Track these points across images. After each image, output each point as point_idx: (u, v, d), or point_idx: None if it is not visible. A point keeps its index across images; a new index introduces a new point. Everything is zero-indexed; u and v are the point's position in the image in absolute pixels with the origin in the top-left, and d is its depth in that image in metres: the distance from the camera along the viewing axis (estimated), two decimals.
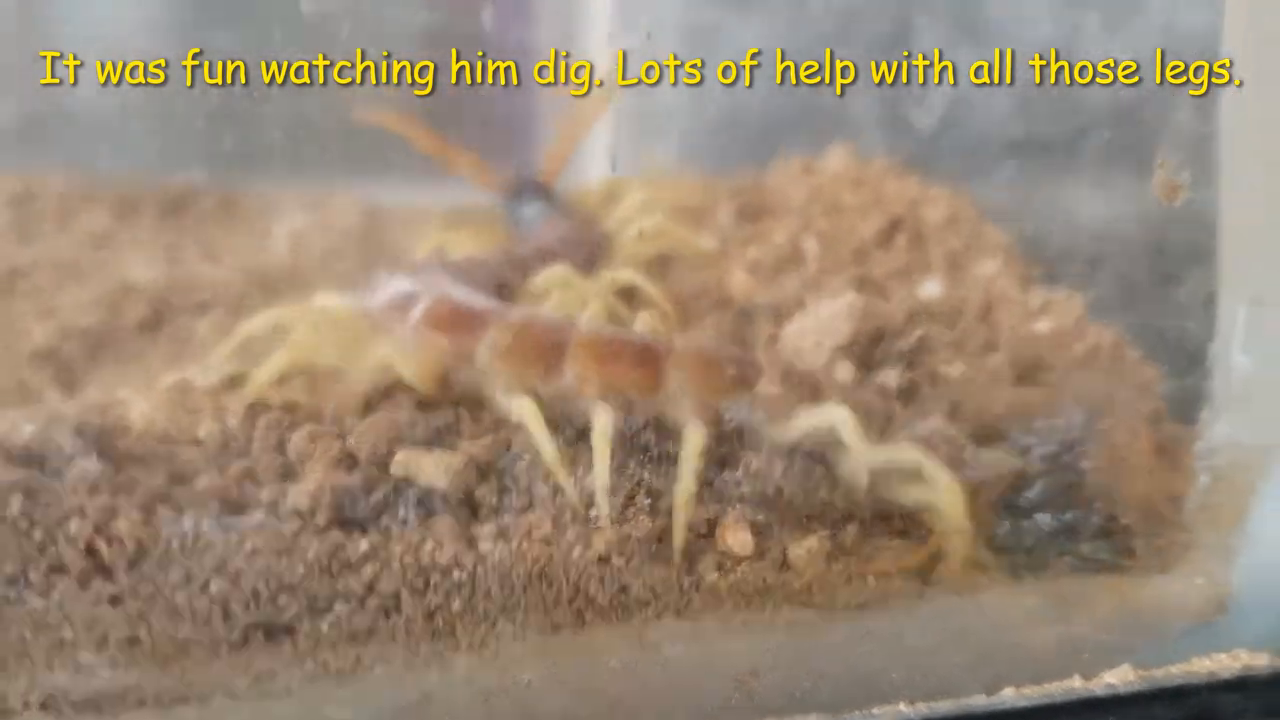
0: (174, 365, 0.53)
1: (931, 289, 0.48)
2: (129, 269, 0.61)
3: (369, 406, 0.35)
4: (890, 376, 0.44)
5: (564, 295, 0.43)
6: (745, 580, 0.32)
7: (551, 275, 0.44)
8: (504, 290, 0.45)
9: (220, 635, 0.28)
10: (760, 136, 0.78)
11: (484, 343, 0.34)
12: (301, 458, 0.32)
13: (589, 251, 0.53)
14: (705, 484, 0.33)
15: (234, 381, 0.41)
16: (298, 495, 0.30)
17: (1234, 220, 0.33)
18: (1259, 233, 0.33)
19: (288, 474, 0.31)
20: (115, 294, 0.56)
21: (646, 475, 0.33)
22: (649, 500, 0.33)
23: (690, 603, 0.31)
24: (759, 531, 0.32)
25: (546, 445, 0.32)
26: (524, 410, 0.33)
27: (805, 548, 0.32)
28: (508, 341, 0.34)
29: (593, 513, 0.31)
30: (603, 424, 0.32)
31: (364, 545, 0.29)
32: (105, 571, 0.28)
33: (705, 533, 0.33)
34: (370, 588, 0.29)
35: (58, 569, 0.28)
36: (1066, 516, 0.34)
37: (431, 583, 0.29)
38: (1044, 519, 0.34)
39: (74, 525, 0.28)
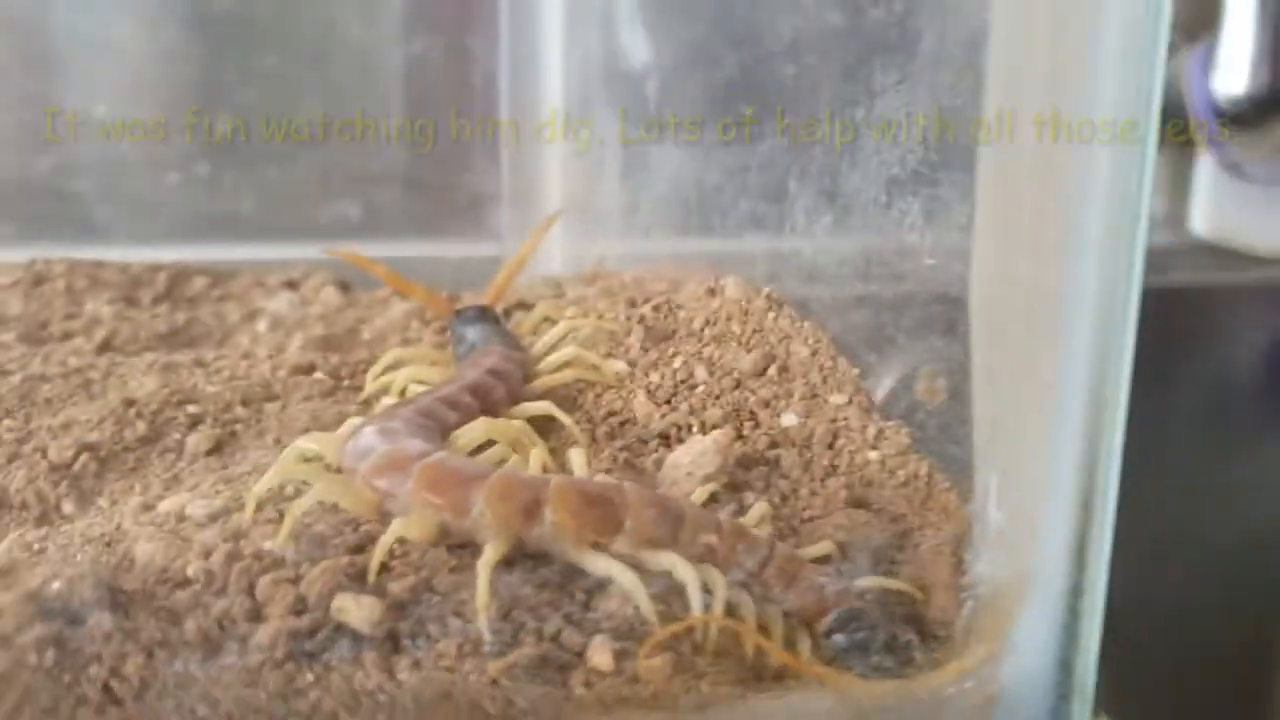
0: (166, 482, 0.62)
1: (790, 419, 0.58)
2: (130, 381, 0.71)
3: (325, 543, 0.45)
4: (751, 498, 0.54)
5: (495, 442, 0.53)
6: (607, 692, 0.42)
7: (474, 431, 0.53)
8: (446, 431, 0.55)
9: None
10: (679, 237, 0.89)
11: (477, 498, 0.44)
12: (265, 600, 0.42)
13: (516, 378, 0.63)
14: (581, 616, 0.43)
15: (222, 513, 0.51)
16: (262, 635, 0.40)
17: (981, 412, 0.43)
18: (1000, 423, 0.43)
19: (255, 615, 0.41)
20: (119, 410, 0.65)
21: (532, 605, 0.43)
22: (536, 625, 0.43)
23: (561, 712, 0.41)
24: (618, 653, 0.43)
25: (483, 587, 0.42)
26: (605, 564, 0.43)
27: (651, 665, 0.42)
28: (497, 496, 0.44)
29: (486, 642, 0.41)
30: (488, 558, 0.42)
31: (310, 676, 0.39)
32: (118, 703, 0.37)
33: (578, 653, 0.43)
34: (315, 708, 0.39)
35: (82, 702, 0.37)
36: (858, 634, 0.45)
37: (361, 704, 0.39)
38: (839, 639, 0.44)
39: (93, 669, 0.38)
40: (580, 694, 0.42)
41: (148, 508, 0.54)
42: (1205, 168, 1.44)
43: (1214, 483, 1.49)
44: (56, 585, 0.40)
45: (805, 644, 0.45)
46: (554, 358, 0.66)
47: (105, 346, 0.78)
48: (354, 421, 0.55)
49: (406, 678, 0.40)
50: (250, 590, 0.42)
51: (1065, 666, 0.46)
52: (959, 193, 0.47)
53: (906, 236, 0.52)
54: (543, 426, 0.59)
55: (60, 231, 1.11)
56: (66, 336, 0.88)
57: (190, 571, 0.43)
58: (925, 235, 0.50)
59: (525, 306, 0.88)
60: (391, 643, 0.41)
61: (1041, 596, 0.45)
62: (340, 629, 0.41)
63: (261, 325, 0.93)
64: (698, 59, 0.80)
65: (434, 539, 0.44)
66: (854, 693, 0.44)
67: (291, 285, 1.05)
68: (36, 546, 0.50)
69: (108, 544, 0.47)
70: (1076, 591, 0.45)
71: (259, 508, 0.49)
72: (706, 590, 0.43)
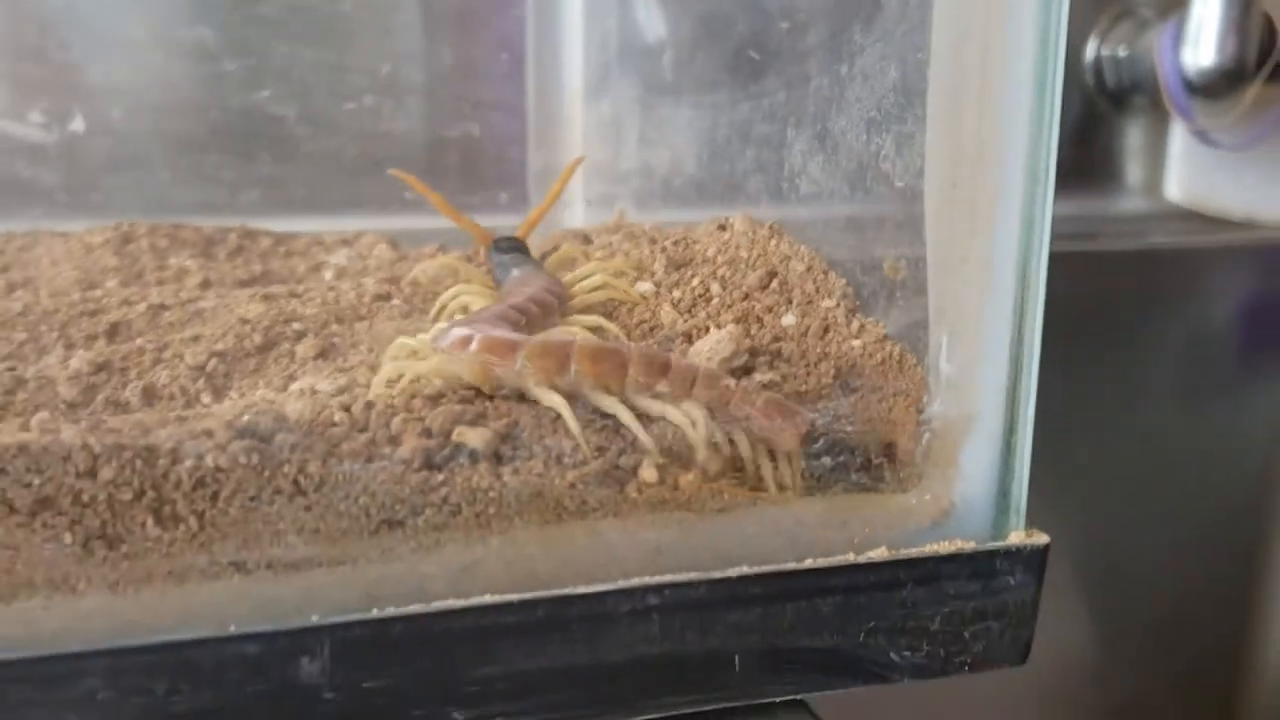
0: (285, 379, 0.76)
1: (788, 319, 0.72)
2: (238, 307, 0.85)
3: (437, 401, 0.59)
4: (759, 377, 0.68)
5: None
6: (653, 497, 0.56)
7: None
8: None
9: (364, 526, 0.52)
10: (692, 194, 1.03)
11: (519, 356, 0.58)
12: (398, 433, 0.56)
13: (563, 297, 0.77)
14: (631, 441, 0.57)
15: (347, 387, 0.64)
16: (401, 452, 0.54)
17: (933, 287, 0.57)
18: (949, 289, 0.57)
19: (393, 441, 0.55)
20: (236, 326, 0.79)
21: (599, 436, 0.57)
22: (599, 450, 0.57)
23: (621, 510, 0.55)
24: (660, 469, 0.57)
25: (567, 414, 0.56)
26: (551, 399, 0.57)
27: (686, 478, 0.57)
28: (535, 354, 0.58)
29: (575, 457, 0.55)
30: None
31: (440, 477, 0.53)
32: (303, 493, 0.51)
33: (633, 469, 0.57)
34: (445, 500, 0.53)
35: (278, 492, 0.51)
36: (841, 458, 0.59)
37: (477, 498, 0.53)
38: (826, 460, 0.58)
39: (285, 468, 0.52)
40: (633, 497, 0.56)
41: (285, 388, 0.68)
42: (1178, 136, 1.57)
43: (1187, 434, 1.60)
44: (245, 417, 0.54)
45: (799, 466, 0.59)
46: (587, 282, 0.79)
47: (206, 285, 0.92)
48: (441, 326, 0.69)
49: (509, 480, 0.54)
50: (387, 425, 0.56)
51: (1003, 488, 0.60)
52: (920, 125, 0.61)
53: (882, 165, 0.66)
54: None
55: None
56: (160, 283, 1.01)
57: (335, 418, 0.57)
58: (895, 163, 0.64)
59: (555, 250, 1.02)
60: (497, 458, 0.55)
61: (982, 433, 0.59)
62: (459, 448, 0.55)
63: (328, 275, 1.06)
64: (706, 30, 0.94)
65: (490, 387, 0.58)
66: (840, 501, 0.58)
67: (346, 243, 1.19)
68: (184, 419, 0.63)
69: (261, 409, 0.61)
70: (1010, 429, 0.59)
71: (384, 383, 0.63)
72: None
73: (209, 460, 0.50)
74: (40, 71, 1.20)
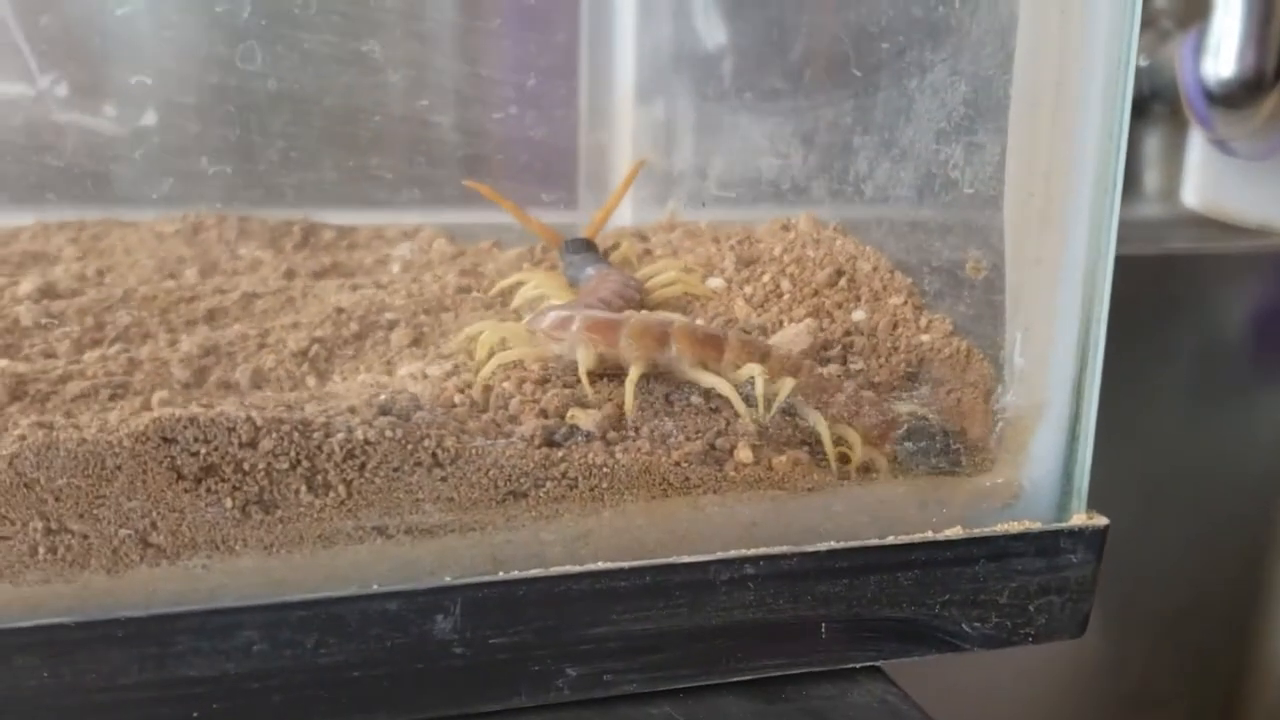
0: (384, 365, 0.81)
1: (859, 315, 0.77)
2: (328, 297, 0.90)
3: (544, 384, 0.64)
4: (833, 368, 0.73)
5: None
6: (749, 476, 0.61)
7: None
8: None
9: (492, 496, 0.57)
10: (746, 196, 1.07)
11: (623, 336, 0.63)
12: (517, 414, 0.61)
13: (642, 291, 0.82)
14: (732, 426, 0.62)
15: (454, 371, 0.69)
16: (523, 430, 0.59)
17: (1010, 285, 0.62)
18: (1024, 288, 0.62)
19: (514, 420, 0.60)
20: (333, 315, 0.84)
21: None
22: (702, 430, 0.62)
23: (720, 487, 0.60)
24: (756, 450, 0.62)
25: (728, 391, 0.61)
26: (710, 379, 0.62)
27: (779, 460, 0.61)
28: (637, 333, 0.63)
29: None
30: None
31: (559, 454, 0.58)
32: (440, 465, 0.56)
33: (730, 449, 0.62)
34: (564, 475, 0.58)
35: (418, 464, 0.56)
36: (923, 444, 0.64)
37: (592, 473, 0.58)
38: (908, 445, 0.63)
39: (425, 442, 0.56)
40: (731, 475, 0.61)
41: (388, 373, 0.73)
42: (1196, 144, 1.61)
43: (1199, 435, 1.65)
44: (383, 396, 0.59)
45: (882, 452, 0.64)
46: (660, 278, 0.84)
47: (290, 275, 0.97)
48: (536, 312, 0.74)
49: (620, 458, 0.59)
50: (505, 407, 0.61)
51: (1067, 474, 0.65)
52: (991, 137, 0.66)
53: (950, 173, 0.71)
54: None
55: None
56: (236, 274, 1.06)
57: (456, 399, 0.62)
58: (965, 171, 0.69)
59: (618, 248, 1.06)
60: (607, 438, 0.60)
61: (1051, 421, 0.64)
62: (574, 429, 0.60)
63: (395, 268, 1.11)
64: (768, 39, 0.99)
65: (600, 366, 0.63)
66: (920, 483, 0.63)
67: (408, 236, 1.24)
68: (317, 399, 0.68)
69: (380, 390, 0.66)
70: (1075, 418, 0.64)
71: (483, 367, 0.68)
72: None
73: (359, 434, 0.55)
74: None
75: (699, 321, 0.75)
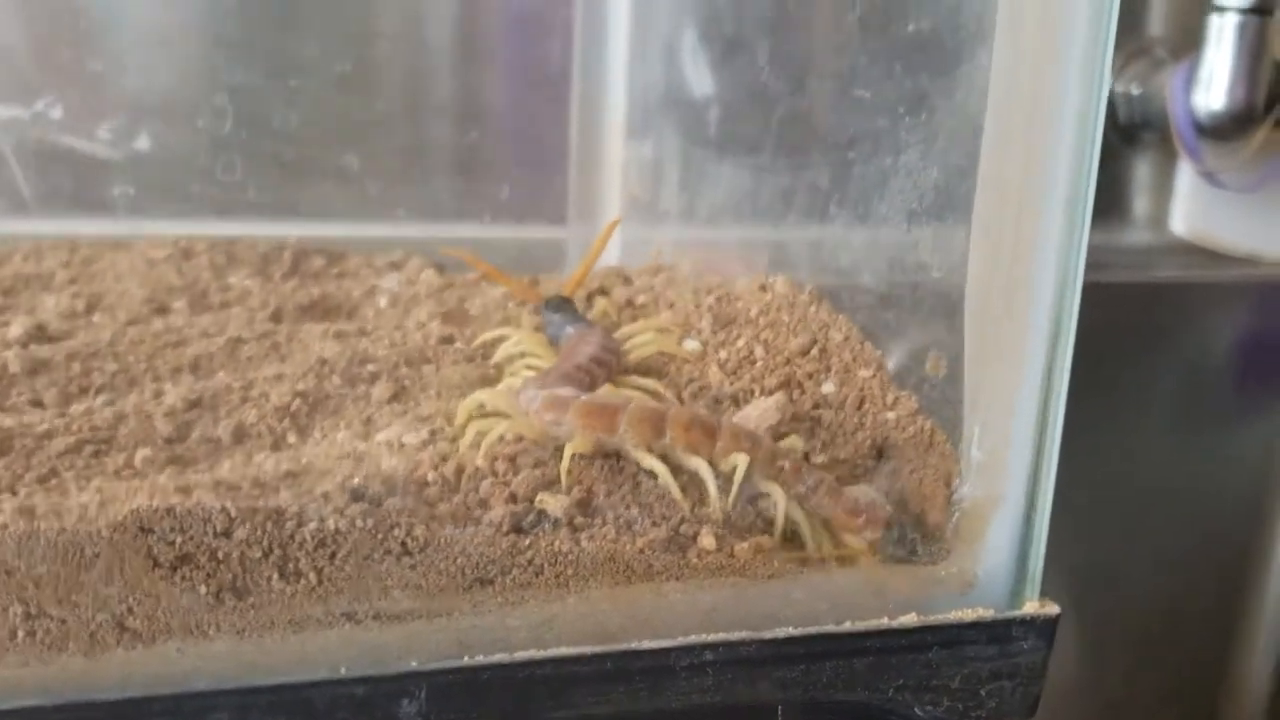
0: (363, 422, 0.83)
1: (829, 388, 0.79)
2: (312, 345, 0.91)
3: (516, 461, 0.65)
4: (798, 442, 0.75)
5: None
6: (711, 564, 0.63)
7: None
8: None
9: (459, 583, 0.59)
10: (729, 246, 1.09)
11: (622, 424, 0.64)
12: (487, 496, 0.63)
13: (620, 355, 0.83)
14: (696, 513, 0.64)
15: (431, 439, 0.71)
16: (492, 516, 0.61)
17: (969, 381, 0.64)
18: (981, 388, 0.64)
19: (483, 505, 0.62)
20: (316, 366, 0.85)
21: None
22: (666, 518, 0.64)
23: (682, 574, 0.62)
24: (719, 538, 0.63)
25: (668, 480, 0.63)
26: (652, 462, 0.64)
27: (741, 547, 0.63)
28: (635, 420, 0.64)
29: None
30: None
31: (526, 541, 0.60)
32: (410, 554, 0.58)
33: (693, 536, 0.64)
34: (530, 562, 0.60)
35: (387, 552, 0.58)
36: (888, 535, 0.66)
37: (558, 560, 0.60)
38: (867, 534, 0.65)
39: (395, 531, 0.58)
40: (694, 562, 0.63)
41: (365, 437, 0.75)
42: (1185, 173, 1.62)
43: (1182, 460, 1.66)
44: (356, 480, 0.61)
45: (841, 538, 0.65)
46: (638, 339, 0.85)
47: (277, 318, 0.98)
48: (513, 382, 0.76)
49: (586, 545, 0.61)
50: (476, 489, 0.63)
51: (1021, 563, 0.67)
52: (959, 226, 0.68)
53: (920, 256, 0.72)
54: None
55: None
56: (225, 305, 1.08)
57: (429, 477, 0.64)
58: (934, 255, 0.71)
59: (603, 292, 1.08)
60: (574, 525, 0.62)
61: (1007, 512, 0.66)
62: (542, 514, 0.61)
63: (382, 302, 1.12)
64: (751, 97, 1.00)
65: (593, 451, 0.65)
66: (877, 571, 0.65)
67: (396, 266, 1.26)
68: (297, 462, 0.70)
69: (357, 460, 0.68)
70: (1030, 509, 0.66)
71: (461, 436, 0.69)
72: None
73: (330, 523, 0.57)
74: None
75: (670, 399, 0.77)
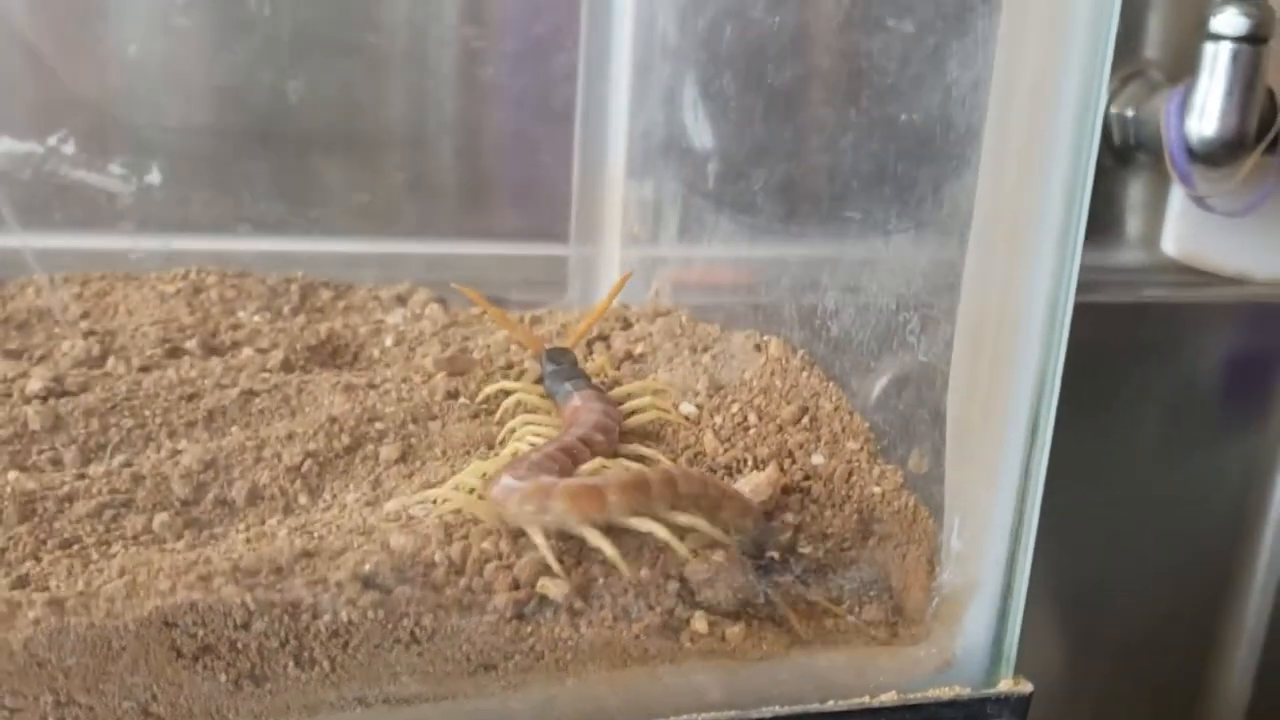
0: (371, 483, 0.86)
1: (818, 459, 0.82)
2: (323, 399, 0.94)
3: (519, 542, 0.69)
4: (790, 516, 0.78)
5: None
6: (703, 647, 0.67)
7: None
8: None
9: (464, 669, 0.62)
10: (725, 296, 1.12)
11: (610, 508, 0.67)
12: (492, 579, 0.66)
13: (618, 422, 0.86)
14: (689, 599, 0.67)
15: (436, 510, 0.74)
16: (496, 602, 0.64)
17: (950, 477, 0.68)
18: (961, 485, 0.67)
19: (488, 589, 0.66)
20: (325, 425, 0.89)
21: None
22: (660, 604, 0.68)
23: (676, 657, 0.66)
24: (711, 623, 0.67)
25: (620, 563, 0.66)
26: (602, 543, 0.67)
27: (733, 630, 0.67)
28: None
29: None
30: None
31: (528, 628, 0.64)
32: (418, 642, 0.62)
33: (686, 620, 0.67)
34: (531, 648, 0.63)
35: (397, 641, 0.62)
36: (864, 617, 0.69)
37: (558, 645, 0.64)
38: (852, 618, 0.69)
39: (404, 621, 0.62)
40: (687, 646, 0.66)
41: (370, 504, 0.78)
42: (1177, 194, 1.66)
43: (1167, 478, 1.70)
44: (367, 567, 0.64)
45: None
46: (635, 402, 0.88)
47: (288, 366, 1.01)
48: (519, 447, 0.79)
49: (585, 631, 0.64)
50: (480, 572, 0.66)
51: (997, 644, 0.70)
52: (945, 316, 0.71)
53: (908, 339, 0.76)
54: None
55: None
56: (235, 345, 1.11)
57: (436, 557, 0.67)
58: (920, 341, 0.74)
59: (603, 338, 1.11)
60: (573, 610, 0.65)
61: (984, 598, 0.69)
62: (544, 600, 0.65)
63: (388, 340, 1.16)
64: (752, 157, 1.03)
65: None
66: (860, 652, 0.68)
67: (401, 300, 1.29)
68: (309, 534, 0.73)
69: (365, 534, 0.71)
70: (1007, 594, 0.70)
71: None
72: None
73: (344, 615, 0.61)
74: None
75: (668, 464, 0.80)
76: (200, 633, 0.59)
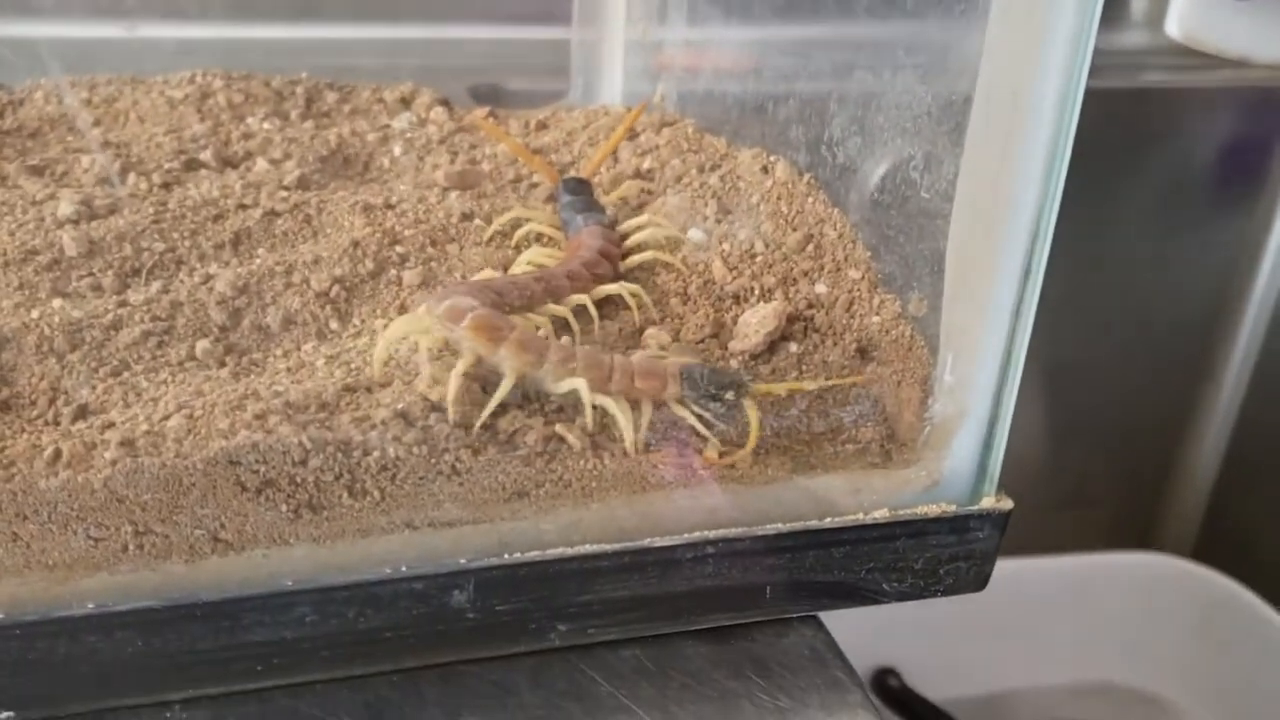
0: (397, 308, 0.90)
1: (821, 288, 0.86)
2: (343, 220, 0.97)
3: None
4: (794, 346, 0.83)
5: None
6: (714, 473, 0.73)
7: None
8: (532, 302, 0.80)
9: (500, 496, 0.69)
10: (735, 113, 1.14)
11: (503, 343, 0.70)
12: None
13: (616, 256, 0.89)
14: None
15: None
16: (527, 439, 0.70)
17: (945, 318, 0.72)
18: (954, 326, 0.72)
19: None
20: (349, 249, 0.92)
21: None
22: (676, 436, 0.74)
23: (690, 482, 0.72)
24: (721, 451, 0.73)
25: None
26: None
27: (743, 456, 0.73)
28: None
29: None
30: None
31: (556, 464, 0.70)
32: (458, 474, 0.68)
33: (699, 450, 0.73)
34: (559, 478, 0.70)
35: (439, 473, 0.68)
36: (860, 444, 0.75)
37: (584, 476, 0.70)
38: (849, 446, 0.75)
39: (446, 455, 0.68)
40: (700, 473, 0.73)
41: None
42: None
43: (1154, 261, 1.76)
44: (401, 405, 0.69)
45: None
46: (640, 235, 0.91)
47: (304, 183, 1.04)
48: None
49: (607, 463, 0.70)
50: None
51: (982, 466, 0.77)
52: (950, 153, 0.74)
53: (911, 173, 0.79)
54: (647, 283, 0.88)
55: None
56: (249, 156, 1.13)
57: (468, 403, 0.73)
58: (924, 176, 0.78)
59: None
60: (596, 443, 0.71)
61: (971, 425, 0.75)
62: (562, 441, 0.71)
63: (396, 149, 1.18)
64: None
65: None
66: (856, 475, 0.75)
67: (405, 102, 1.30)
68: (346, 365, 0.78)
69: (398, 364, 0.76)
70: (993, 421, 0.76)
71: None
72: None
73: (391, 451, 0.67)
74: None
75: (647, 303, 0.84)
76: (262, 469, 0.65)
